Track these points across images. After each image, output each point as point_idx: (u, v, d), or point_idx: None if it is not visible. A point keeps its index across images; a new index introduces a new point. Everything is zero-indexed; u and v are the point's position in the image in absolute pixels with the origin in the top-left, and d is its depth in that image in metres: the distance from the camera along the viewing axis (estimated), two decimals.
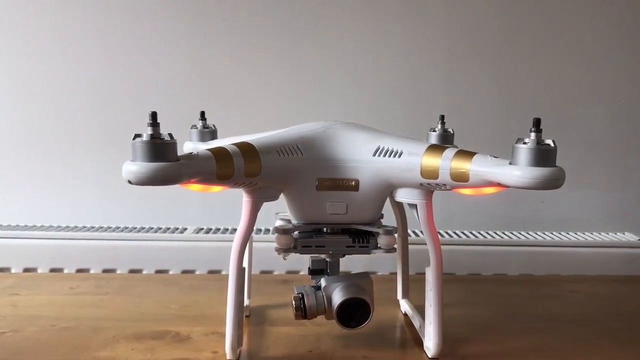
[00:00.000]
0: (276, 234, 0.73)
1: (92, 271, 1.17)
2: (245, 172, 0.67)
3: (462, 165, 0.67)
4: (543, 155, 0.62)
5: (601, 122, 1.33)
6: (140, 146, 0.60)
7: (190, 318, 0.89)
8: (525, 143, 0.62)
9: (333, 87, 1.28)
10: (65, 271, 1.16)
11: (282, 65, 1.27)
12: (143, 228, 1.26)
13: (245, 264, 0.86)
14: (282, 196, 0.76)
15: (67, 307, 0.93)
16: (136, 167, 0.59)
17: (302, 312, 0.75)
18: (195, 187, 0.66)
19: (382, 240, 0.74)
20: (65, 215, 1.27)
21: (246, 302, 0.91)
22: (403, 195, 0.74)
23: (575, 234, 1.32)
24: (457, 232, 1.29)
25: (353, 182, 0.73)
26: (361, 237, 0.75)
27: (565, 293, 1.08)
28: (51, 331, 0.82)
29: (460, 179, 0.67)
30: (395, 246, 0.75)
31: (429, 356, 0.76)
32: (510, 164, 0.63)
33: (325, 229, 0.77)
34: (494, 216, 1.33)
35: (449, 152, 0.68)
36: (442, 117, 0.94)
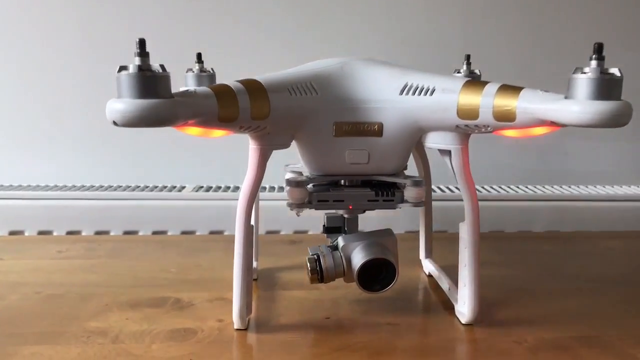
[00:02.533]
0: (288, 187, 0.64)
1: (83, 233, 1.08)
2: (252, 114, 0.57)
3: (508, 102, 0.57)
4: (607, 87, 0.52)
5: (631, 68, 1.22)
6: (126, 80, 0.50)
7: (191, 283, 0.80)
8: (584, 73, 0.52)
9: (341, 28, 1.16)
10: (55, 234, 1.07)
11: (287, 4, 1.15)
12: (138, 186, 1.16)
13: (252, 222, 0.78)
14: (293, 144, 0.66)
15: (55, 272, 0.84)
16: (122, 105, 0.49)
17: (319, 275, 0.66)
18: (193, 131, 0.56)
19: (409, 192, 0.65)
20: (53, 174, 1.17)
21: (254, 264, 0.82)
22: (434, 141, 0.64)
23: (604, 187, 1.22)
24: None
25: (376, 126, 0.63)
26: (385, 190, 0.66)
27: (600, 250, 1.00)
28: (36, 299, 0.73)
29: (506, 118, 0.57)
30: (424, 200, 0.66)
31: (463, 322, 0.67)
32: (565, 98, 0.53)
33: (343, 181, 0.68)
34: (515, 169, 1.24)
35: (491, 88, 0.58)
36: (468, 57, 0.83)
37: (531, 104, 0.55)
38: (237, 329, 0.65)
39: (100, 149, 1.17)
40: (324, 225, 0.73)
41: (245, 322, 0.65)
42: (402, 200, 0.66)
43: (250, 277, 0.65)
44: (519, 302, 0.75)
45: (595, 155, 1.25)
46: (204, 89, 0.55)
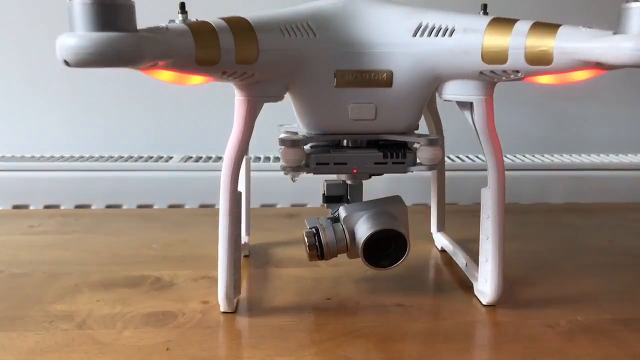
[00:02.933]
0: (282, 148, 0.54)
1: (62, 207, 0.99)
2: (237, 57, 0.48)
3: (543, 41, 0.47)
4: None
5: None
6: (80, 9, 0.40)
7: (175, 260, 0.71)
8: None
9: None
10: (32, 208, 0.98)
11: None
12: (121, 157, 1.07)
13: (242, 190, 0.69)
14: (288, 100, 0.56)
15: (23, 249, 0.75)
16: (75, 39, 0.40)
17: (318, 251, 0.57)
18: (165, 76, 0.46)
19: (423, 153, 0.55)
20: (27, 143, 1.08)
21: (244, 239, 0.73)
22: (453, 91, 0.54)
23: (625, 155, 1.13)
24: None
25: (385, 75, 0.53)
26: (395, 151, 0.56)
27: (627, 223, 0.91)
28: None
29: (540, 60, 0.48)
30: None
31: (484, 302, 0.58)
32: (615, 34, 0.44)
33: (346, 142, 0.59)
34: (530, 137, 1.14)
35: (523, 26, 0.49)
36: (485, 7, 0.73)
37: (572, 42, 0.46)
38: (224, 312, 0.56)
39: (80, 116, 1.07)
40: (323, 194, 0.64)
41: (232, 304, 0.56)
42: (415, 163, 0.56)
43: (239, 252, 0.56)
44: (545, 279, 0.66)
45: (616, 122, 1.15)
46: (178, 24, 0.46)
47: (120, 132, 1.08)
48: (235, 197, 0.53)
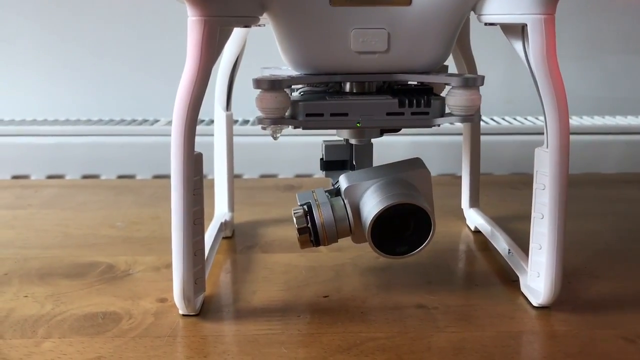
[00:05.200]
0: (258, 92, 0.39)
1: (33, 177, 0.86)
2: None
3: None
4: None
5: None
6: None
7: (137, 242, 0.57)
8: None
9: None
10: None
11: None
12: (101, 120, 0.93)
13: (222, 155, 0.54)
14: (269, 30, 0.41)
15: None
16: None
17: (312, 235, 0.42)
18: None
19: (456, 98, 0.39)
20: None
21: (226, 216, 0.58)
22: (499, 9, 0.38)
23: None
24: (529, 118, 0.93)
25: None
26: (415, 97, 0.41)
27: None
28: None
29: None
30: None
31: (535, 304, 0.43)
32: None
33: (348, 85, 0.43)
34: (577, 97, 0.96)
35: None
36: None
37: None
38: (184, 315, 0.42)
39: (53, 75, 0.93)
40: (321, 159, 0.49)
41: (193, 306, 0.41)
42: (443, 113, 0.41)
43: (201, 236, 0.41)
44: (612, 270, 0.50)
45: None
46: None
47: (98, 92, 0.94)
48: (191, 160, 0.39)
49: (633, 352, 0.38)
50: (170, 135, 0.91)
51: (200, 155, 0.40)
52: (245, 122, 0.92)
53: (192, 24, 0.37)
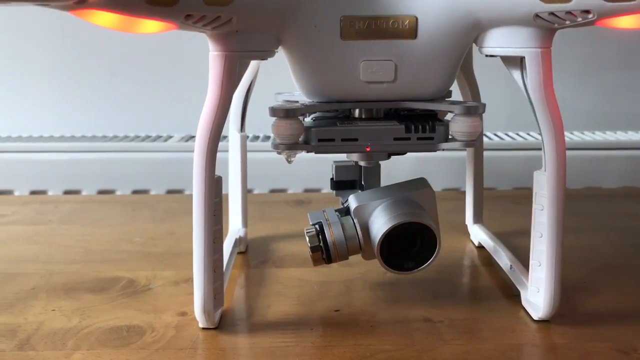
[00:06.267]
0: (274, 120, 0.42)
1: (50, 193, 0.89)
2: None
3: None
4: None
5: None
6: None
7: (156, 257, 0.60)
8: None
9: None
10: (17, 194, 0.88)
11: None
12: (116, 137, 0.96)
13: (237, 173, 0.57)
14: (282, 58, 0.44)
15: None
16: None
17: (324, 253, 0.45)
18: (104, 20, 0.34)
19: (459, 125, 0.42)
20: (12, 122, 0.97)
21: (240, 232, 0.61)
22: (499, 42, 0.41)
23: None
24: (532, 133, 0.96)
25: (407, 22, 0.40)
26: (421, 123, 0.43)
27: None
28: None
29: None
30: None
31: (535, 318, 0.46)
32: None
33: (357, 112, 0.46)
34: (579, 112, 0.99)
35: None
36: None
37: None
38: (204, 328, 0.45)
39: (70, 92, 0.96)
40: (332, 179, 0.51)
41: (213, 319, 0.44)
42: (447, 138, 0.43)
43: (220, 253, 0.44)
44: (611, 285, 0.53)
45: None
46: None
47: (113, 109, 0.97)
48: (212, 183, 0.41)
49: None
50: (183, 151, 0.93)
51: (220, 178, 0.42)
52: (256, 137, 0.94)
53: (213, 58, 0.39)
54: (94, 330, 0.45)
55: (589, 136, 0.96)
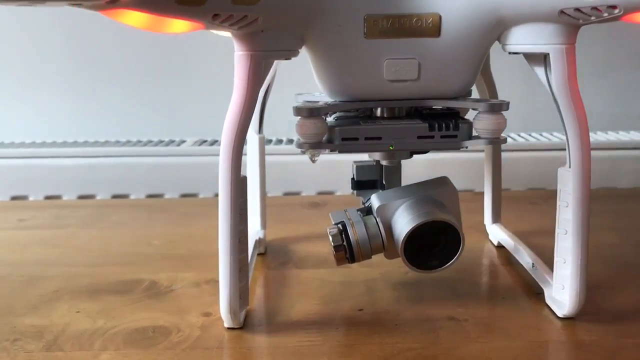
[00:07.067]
0: (298, 119, 0.42)
1: (65, 198, 0.89)
2: None
3: None
4: None
5: None
6: None
7: (176, 259, 0.60)
8: None
9: None
10: (32, 199, 0.88)
11: None
12: (129, 141, 0.96)
13: (255, 175, 0.57)
14: (305, 57, 0.44)
15: (4, 247, 0.65)
16: None
17: (347, 252, 0.45)
18: (133, 19, 0.34)
19: (483, 122, 0.42)
20: (28, 128, 0.97)
21: (259, 234, 0.61)
22: (523, 39, 0.41)
23: None
24: (544, 134, 0.96)
25: (430, 21, 0.41)
26: (444, 121, 0.43)
27: None
28: None
29: None
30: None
31: (560, 315, 0.45)
32: None
33: (380, 110, 0.46)
34: (591, 113, 0.99)
35: None
36: None
37: None
38: (228, 328, 0.45)
39: (83, 98, 0.97)
40: (352, 179, 0.52)
41: (238, 319, 0.44)
42: (470, 136, 0.43)
43: (245, 253, 0.44)
44: (634, 283, 0.53)
45: None
46: None
47: (127, 114, 0.97)
48: (238, 182, 0.41)
49: None
50: (196, 155, 0.94)
51: (245, 178, 0.43)
52: (269, 141, 0.95)
53: (239, 58, 0.40)
54: (120, 331, 0.45)
55: (602, 137, 0.95)
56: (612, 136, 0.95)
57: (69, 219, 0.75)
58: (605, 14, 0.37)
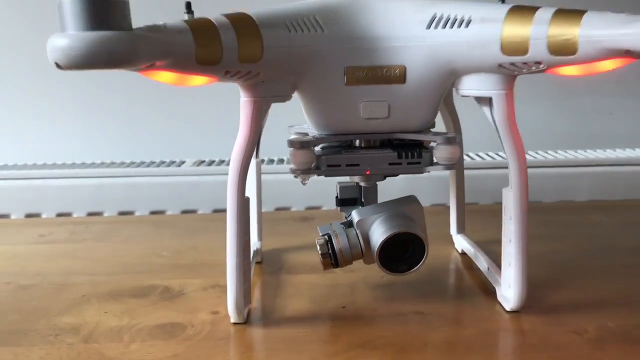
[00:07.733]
0: (291, 150, 0.52)
1: (75, 215, 0.98)
2: (240, 56, 0.45)
3: (567, 29, 0.44)
4: None
5: None
6: (71, 7, 0.38)
7: (185, 268, 0.69)
8: None
9: None
10: (44, 216, 0.97)
11: None
12: (133, 162, 1.05)
13: (252, 194, 0.66)
14: (296, 98, 0.54)
15: (31, 259, 0.73)
16: (66, 40, 0.38)
17: (332, 259, 0.55)
18: (164, 77, 0.44)
19: (440, 152, 0.52)
20: (40, 151, 1.06)
21: (256, 245, 0.70)
22: (471, 86, 0.51)
23: None
24: None
25: (398, 71, 0.51)
26: (410, 151, 0.53)
27: None
28: (4, 291, 0.63)
29: (564, 50, 0.45)
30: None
31: (507, 309, 0.55)
32: None
33: (358, 142, 0.56)
34: (552, 133, 1.10)
35: (544, 13, 0.46)
36: None
37: (598, 29, 0.43)
38: (234, 323, 0.54)
39: (90, 122, 1.06)
40: (336, 197, 0.61)
41: (243, 315, 0.54)
42: (431, 163, 0.53)
43: (248, 260, 0.53)
44: (572, 283, 0.62)
45: None
46: (177, 22, 0.44)
47: (131, 137, 1.07)
48: (243, 202, 0.51)
49: (579, 341, 0.50)
50: (196, 175, 1.02)
51: (248, 199, 0.52)
52: (262, 161, 1.04)
53: (244, 103, 0.49)
54: (144, 327, 0.54)
55: (561, 155, 1.06)
56: (570, 154, 1.06)
57: (84, 234, 0.84)
58: (533, 68, 0.47)
